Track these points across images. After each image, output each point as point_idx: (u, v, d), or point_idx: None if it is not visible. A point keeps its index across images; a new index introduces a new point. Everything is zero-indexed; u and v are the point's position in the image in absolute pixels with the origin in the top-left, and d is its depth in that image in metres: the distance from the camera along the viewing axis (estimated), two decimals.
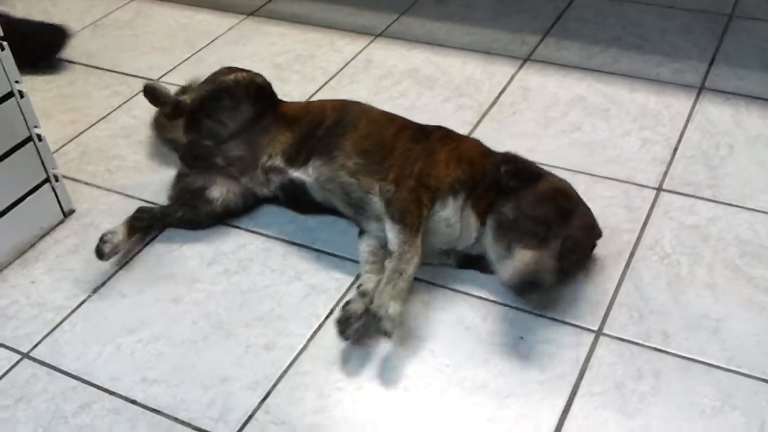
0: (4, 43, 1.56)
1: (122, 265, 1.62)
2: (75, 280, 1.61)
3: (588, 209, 1.53)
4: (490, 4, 2.48)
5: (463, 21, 2.41)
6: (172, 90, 1.77)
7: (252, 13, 2.54)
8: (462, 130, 1.86)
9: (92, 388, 1.39)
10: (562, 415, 1.30)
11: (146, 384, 1.39)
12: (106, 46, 2.40)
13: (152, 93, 1.66)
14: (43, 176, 1.69)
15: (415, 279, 1.53)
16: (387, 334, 1.36)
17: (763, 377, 1.34)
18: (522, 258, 1.41)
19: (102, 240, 1.58)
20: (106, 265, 1.62)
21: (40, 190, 1.68)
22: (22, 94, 1.60)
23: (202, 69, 2.22)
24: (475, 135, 1.89)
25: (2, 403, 1.38)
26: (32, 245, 1.69)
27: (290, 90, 2.09)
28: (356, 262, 1.58)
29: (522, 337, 1.43)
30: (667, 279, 1.52)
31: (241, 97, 1.68)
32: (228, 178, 1.70)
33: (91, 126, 2.06)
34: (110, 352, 1.45)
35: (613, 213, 1.67)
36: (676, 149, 1.85)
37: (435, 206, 1.50)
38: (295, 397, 1.35)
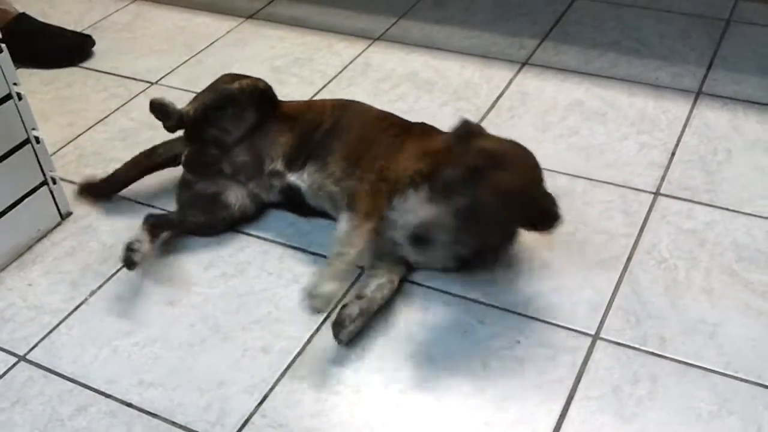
0: (2, 45, 1.55)
1: (119, 268, 1.61)
2: (72, 282, 1.60)
3: (532, 181, 1.43)
4: (489, 8, 2.49)
5: (462, 25, 2.41)
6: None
7: (251, 16, 2.54)
8: None
9: (89, 391, 1.39)
10: (559, 419, 1.30)
11: (143, 387, 1.39)
12: (105, 49, 2.40)
13: (160, 109, 1.63)
14: (41, 179, 1.69)
15: (412, 283, 1.54)
16: (317, 311, 1.38)
17: (759, 382, 1.34)
18: (416, 209, 1.43)
19: (130, 249, 1.52)
20: (103, 268, 1.62)
21: (37, 192, 1.68)
22: (20, 96, 1.60)
23: (200, 72, 2.23)
24: None
25: None
26: (29, 248, 1.69)
27: (288, 93, 2.09)
28: None
29: (519, 341, 1.43)
30: (664, 283, 1.52)
31: (245, 105, 1.67)
32: (237, 184, 1.69)
33: (88, 128, 2.06)
34: (107, 355, 1.45)
35: (611, 217, 1.67)
36: (673, 154, 1.86)
37: (394, 199, 1.49)
38: (292, 400, 1.35)
